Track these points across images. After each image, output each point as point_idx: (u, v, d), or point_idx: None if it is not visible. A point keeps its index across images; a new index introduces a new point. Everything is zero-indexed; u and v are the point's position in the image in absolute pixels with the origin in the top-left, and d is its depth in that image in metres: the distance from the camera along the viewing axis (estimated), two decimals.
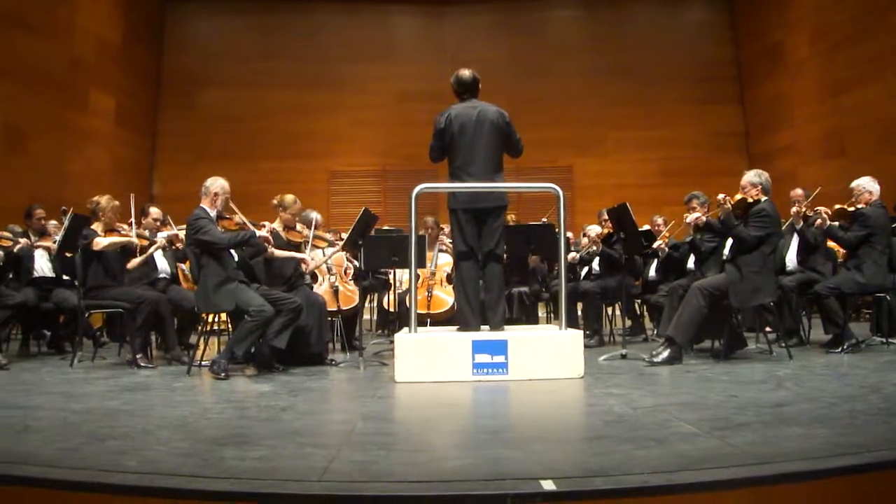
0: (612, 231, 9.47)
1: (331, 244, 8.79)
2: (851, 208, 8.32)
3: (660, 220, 10.85)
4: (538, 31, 19.89)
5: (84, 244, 7.95)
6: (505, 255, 7.78)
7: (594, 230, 10.52)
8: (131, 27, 17.71)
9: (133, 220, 8.56)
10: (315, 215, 9.02)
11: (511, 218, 11.62)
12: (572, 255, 10.33)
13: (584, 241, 10.86)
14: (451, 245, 10.06)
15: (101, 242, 7.89)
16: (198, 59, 19.34)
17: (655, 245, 9.96)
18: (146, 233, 8.88)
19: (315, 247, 8.63)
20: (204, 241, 7.24)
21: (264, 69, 19.18)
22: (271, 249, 7.77)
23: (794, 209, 8.88)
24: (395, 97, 19.07)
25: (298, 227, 8.51)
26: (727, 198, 7.64)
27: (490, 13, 19.99)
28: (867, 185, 8.34)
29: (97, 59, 16.21)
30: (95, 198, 8.34)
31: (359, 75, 19.33)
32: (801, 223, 8.77)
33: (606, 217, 9.81)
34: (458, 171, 7.10)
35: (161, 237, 8.76)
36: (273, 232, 8.00)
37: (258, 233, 7.47)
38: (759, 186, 7.70)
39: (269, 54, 19.29)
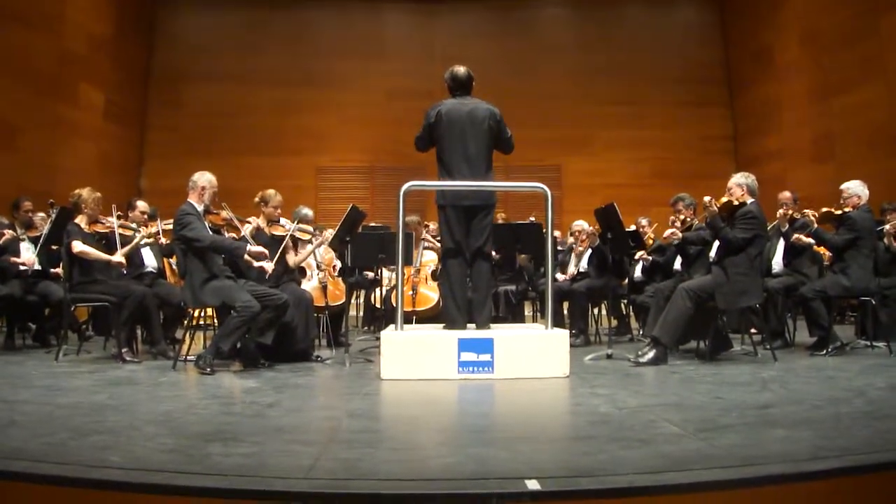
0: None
1: (313, 236, 8.76)
2: (839, 211, 8.33)
3: (644, 222, 10.87)
4: (528, 30, 19.91)
5: (66, 243, 7.95)
6: (494, 253, 7.76)
7: (580, 225, 10.55)
8: (121, 21, 17.66)
9: (114, 213, 8.52)
10: (307, 211, 9.04)
11: (501, 216, 11.66)
12: (570, 272, 10.36)
13: (571, 239, 10.88)
14: (434, 242, 10.09)
15: (76, 247, 7.88)
16: (187, 54, 19.28)
17: (637, 256, 10.02)
18: (133, 225, 8.84)
19: (299, 240, 8.61)
20: (187, 238, 7.24)
21: (254, 65, 19.15)
22: (248, 259, 7.70)
23: (780, 211, 8.90)
24: (383, 94, 19.06)
25: (282, 220, 8.51)
26: (713, 200, 7.67)
27: (480, 12, 19.99)
28: (856, 189, 8.35)
29: (87, 52, 16.15)
30: (77, 191, 8.33)
31: (348, 72, 19.31)
32: (787, 226, 8.79)
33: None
34: (448, 168, 7.09)
35: (141, 233, 8.67)
36: (257, 230, 8.02)
37: (251, 248, 7.44)
38: (745, 187, 7.72)
39: (259, 50, 19.26)
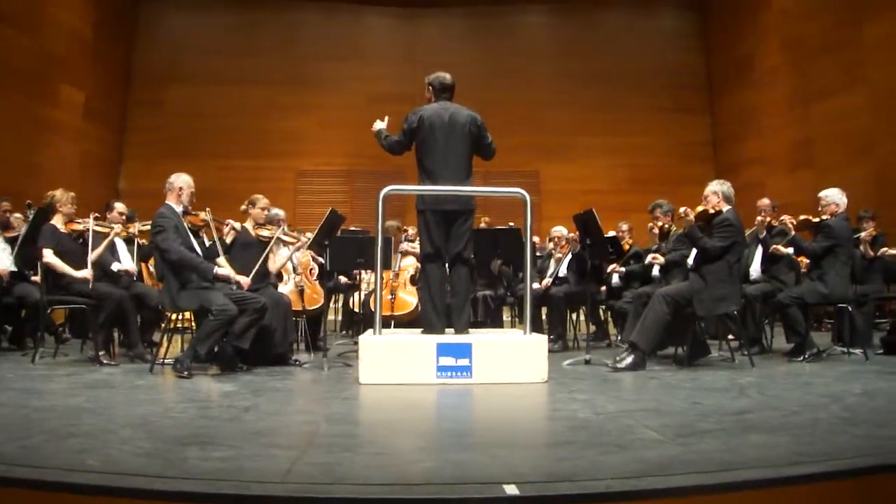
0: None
1: (298, 241, 8.77)
2: (816, 219, 8.37)
3: (625, 227, 10.89)
4: (509, 36, 19.97)
5: (38, 248, 7.92)
6: (473, 258, 7.77)
7: (560, 231, 10.59)
8: (102, 20, 17.58)
9: (91, 216, 8.47)
10: (277, 211, 9.03)
11: (486, 221, 11.66)
12: (545, 282, 10.31)
13: (550, 244, 10.89)
14: (411, 249, 10.09)
15: (46, 256, 7.86)
16: (168, 54, 19.25)
17: (610, 269, 10.06)
18: (109, 225, 8.77)
19: (283, 243, 8.63)
20: (158, 248, 7.23)
21: (235, 66, 19.12)
22: (222, 271, 7.68)
23: (758, 218, 8.93)
24: (365, 98, 18.99)
25: (267, 225, 8.51)
26: (688, 210, 7.69)
27: (462, 17, 20.05)
28: (834, 197, 8.39)
29: (67, 52, 16.10)
30: (50, 192, 8.33)
31: (330, 75, 19.33)
32: (765, 233, 8.83)
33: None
34: (428, 173, 7.11)
35: (113, 231, 8.61)
36: (242, 233, 8.03)
37: (217, 271, 7.39)
38: (721, 195, 7.75)
39: (241, 52, 19.24)
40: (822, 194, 8.52)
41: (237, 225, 8.28)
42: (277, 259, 8.63)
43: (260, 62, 19.24)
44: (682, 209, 7.78)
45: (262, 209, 8.42)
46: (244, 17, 19.57)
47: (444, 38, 19.71)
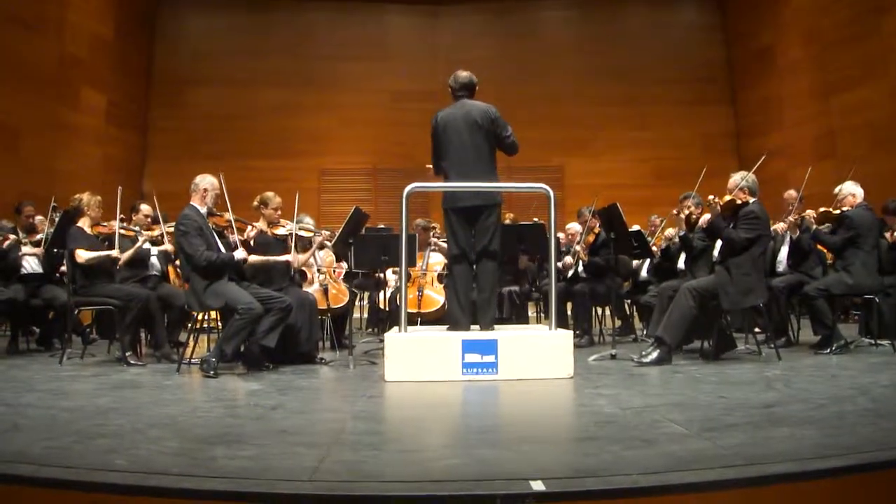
0: (595, 235, 9.56)
1: (315, 233, 8.76)
2: (837, 211, 8.32)
3: (658, 220, 10.85)
4: (531, 31, 19.96)
5: (69, 250, 7.95)
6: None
7: (573, 227, 10.58)
8: (123, 24, 17.67)
9: (119, 214, 8.51)
10: (306, 218, 9.03)
11: (510, 217, 11.64)
12: (566, 259, 10.30)
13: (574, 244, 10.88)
14: (441, 245, 10.07)
15: (82, 256, 7.88)
16: (189, 56, 19.32)
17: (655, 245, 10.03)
18: (136, 228, 8.82)
19: (301, 238, 8.62)
20: (185, 253, 7.24)
21: (256, 67, 19.17)
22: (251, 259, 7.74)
23: (790, 218, 8.84)
24: (387, 96, 19.07)
25: (281, 221, 8.50)
26: (716, 199, 7.65)
27: (483, 13, 20.04)
28: (850, 189, 8.36)
29: (88, 55, 16.19)
30: (77, 195, 8.35)
31: (351, 74, 19.34)
32: (798, 232, 8.78)
33: (588, 217, 9.87)
34: (449, 171, 7.13)
35: (145, 234, 8.67)
36: (258, 234, 8.05)
37: (237, 256, 7.44)
38: (746, 189, 7.71)
39: (261, 52, 19.28)
40: (837, 189, 8.50)
41: (263, 226, 8.29)
42: (303, 253, 8.63)
43: (280, 62, 19.29)
44: (710, 196, 7.75)
45: (275, 209, 8.39)
46: (264, 18, 19.63)
47: (465, 34, 19.71)
